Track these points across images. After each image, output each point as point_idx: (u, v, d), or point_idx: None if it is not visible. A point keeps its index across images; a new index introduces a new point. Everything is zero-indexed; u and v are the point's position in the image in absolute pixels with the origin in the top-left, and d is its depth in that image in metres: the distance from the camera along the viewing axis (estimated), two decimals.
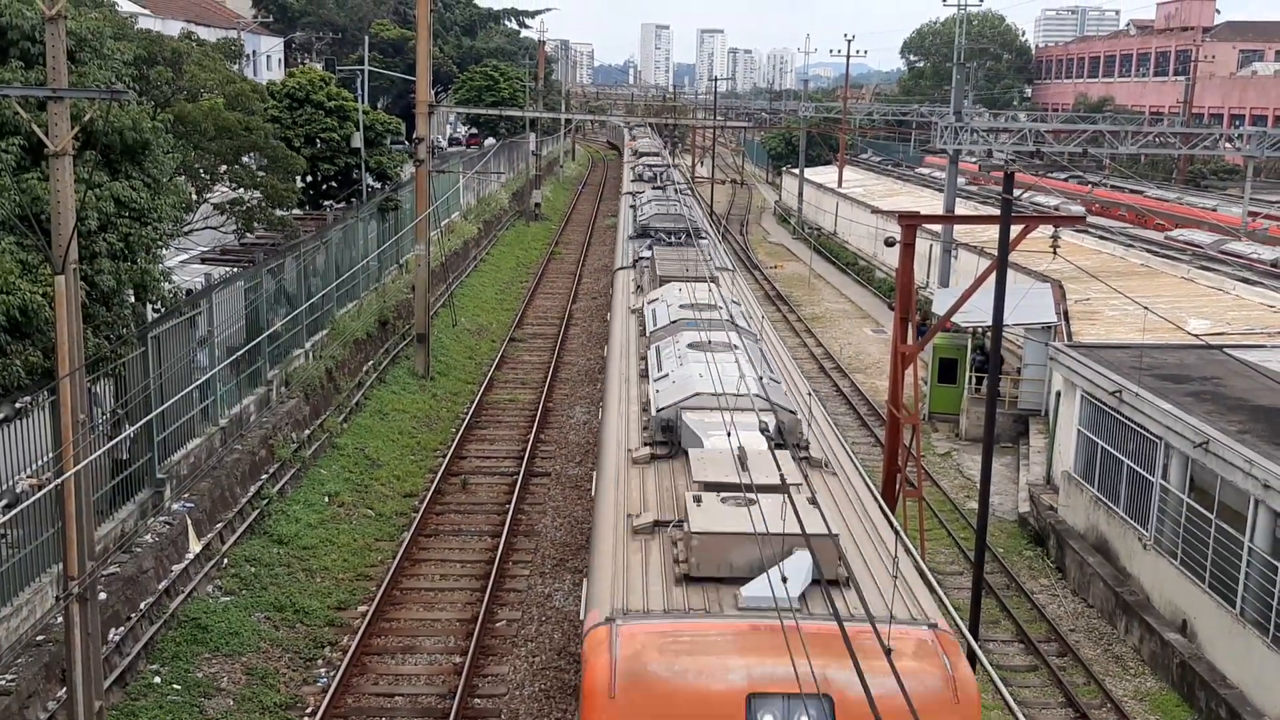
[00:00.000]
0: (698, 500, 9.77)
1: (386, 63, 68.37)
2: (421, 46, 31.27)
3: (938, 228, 39.46)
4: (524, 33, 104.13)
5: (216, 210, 28.96)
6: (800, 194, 73.05)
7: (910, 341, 18.52)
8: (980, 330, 31.05)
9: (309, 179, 34.78)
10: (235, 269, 26.58)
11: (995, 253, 16.78)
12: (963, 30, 43.64)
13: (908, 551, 9.70)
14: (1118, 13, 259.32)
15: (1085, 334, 29.57)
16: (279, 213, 30.57)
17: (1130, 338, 27.79)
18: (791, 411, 13.33)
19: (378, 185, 36.07)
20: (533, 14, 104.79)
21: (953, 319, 25.11)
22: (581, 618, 9.65)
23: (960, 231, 41.69)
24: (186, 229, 26.67)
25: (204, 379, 21.85)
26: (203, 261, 30.68)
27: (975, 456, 29.11)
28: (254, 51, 70.91)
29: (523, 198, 67.50)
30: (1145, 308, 27.04)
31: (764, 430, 9.61)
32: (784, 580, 8.22)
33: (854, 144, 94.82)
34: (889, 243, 19.45)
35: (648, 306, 19.64)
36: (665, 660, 7.83)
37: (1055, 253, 20.22)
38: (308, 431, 25.81)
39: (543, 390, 34.27)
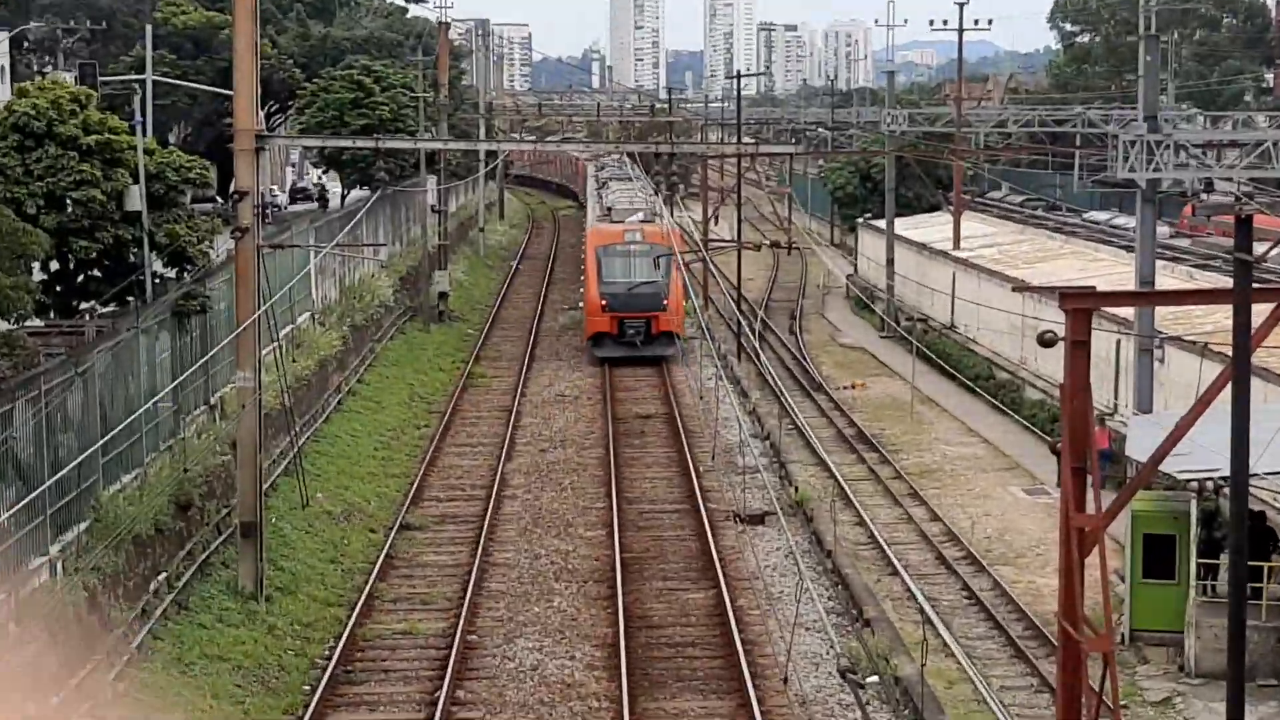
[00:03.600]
0: (610, 210, 45.64)
1: (184, 67, 46.15)
2: (242, 39, 19.65)
3: (1128, 312, 27.64)
4: (414, 9, 67.06)
5: None
6: (890, 263, 48.16)
7: (1091, 509, 12.69)
8: (1212, 485, 20.38)
9: (55, 266, 23.10)
10: None
11: (1230, 352, 12.26)
12: None
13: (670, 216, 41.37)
14: None
15: None
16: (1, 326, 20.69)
17: None
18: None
19: (171, 274, 24.24)
20: None
21: (1164, 468, 18.52)
22: (586, 226, 49.59)
23: (1167, 318, 28.94)
24: None
25: None
26: None
27: (1216, 705, 19.31)
28: None
29: (418, 284, 46.72)
30: None
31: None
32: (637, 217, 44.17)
33: (977, 175, 63.01)
34: (1045, 341, 14.16)
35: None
36: (599, 227, 43.73)
37: None
38: (56, 698, 17.52)
39: (459, 615, 21.10)
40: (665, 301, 39.46)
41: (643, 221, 42.00)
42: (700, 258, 41.35)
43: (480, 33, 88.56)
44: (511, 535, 25.55)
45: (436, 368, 39.88)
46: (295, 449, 24.55)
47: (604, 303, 39.65)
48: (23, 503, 18.20)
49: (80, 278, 22.73)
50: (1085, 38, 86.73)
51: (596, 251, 40.92)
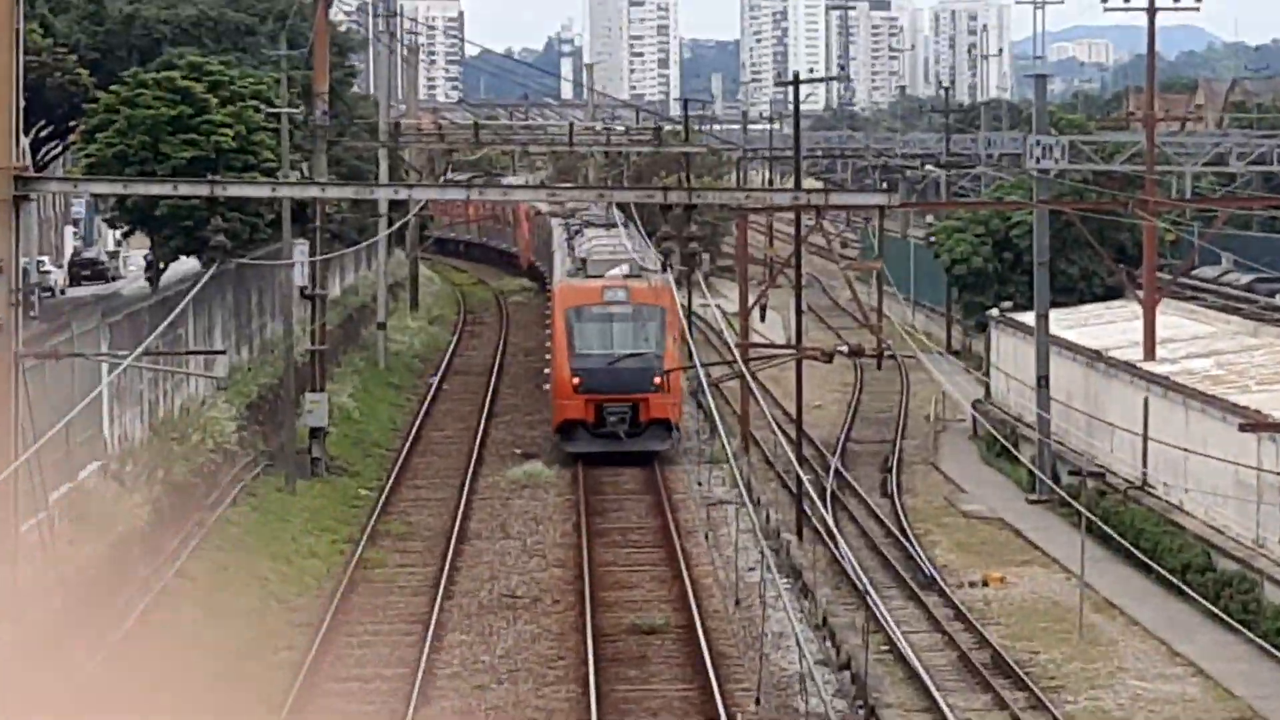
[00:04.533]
0: (584, 262, 38.84)
1: None
2: None
3: None
4: None
5: None
6: (1043, 382, 34.51)
7: None
8: None
9: None
10: None
11: None
12: None
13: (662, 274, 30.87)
14: None
15: None
16: None
17: None
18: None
19: None
20: None
21: None
22: (551, 285, 45.11)
23: None
24: None
25: None
26: None
27: None
28: None
29: (277, 415, 33.00)
30: None
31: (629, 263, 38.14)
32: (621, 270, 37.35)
33: (1180, 240, 43.24)
34: None
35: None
36: (570, 284, 38.41)
37: None
38: None
39: None
40: (658, 380, 33.90)
41: (628, 276, 36.60)
42: (737, 373, 29.31)
43: (383, 11, 59.42)
44: None
45: (307, 551, 27.04)
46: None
47: (577, 381, 34.54)
48: None
49: None
50: None
51: (567, 315, 36.04)
